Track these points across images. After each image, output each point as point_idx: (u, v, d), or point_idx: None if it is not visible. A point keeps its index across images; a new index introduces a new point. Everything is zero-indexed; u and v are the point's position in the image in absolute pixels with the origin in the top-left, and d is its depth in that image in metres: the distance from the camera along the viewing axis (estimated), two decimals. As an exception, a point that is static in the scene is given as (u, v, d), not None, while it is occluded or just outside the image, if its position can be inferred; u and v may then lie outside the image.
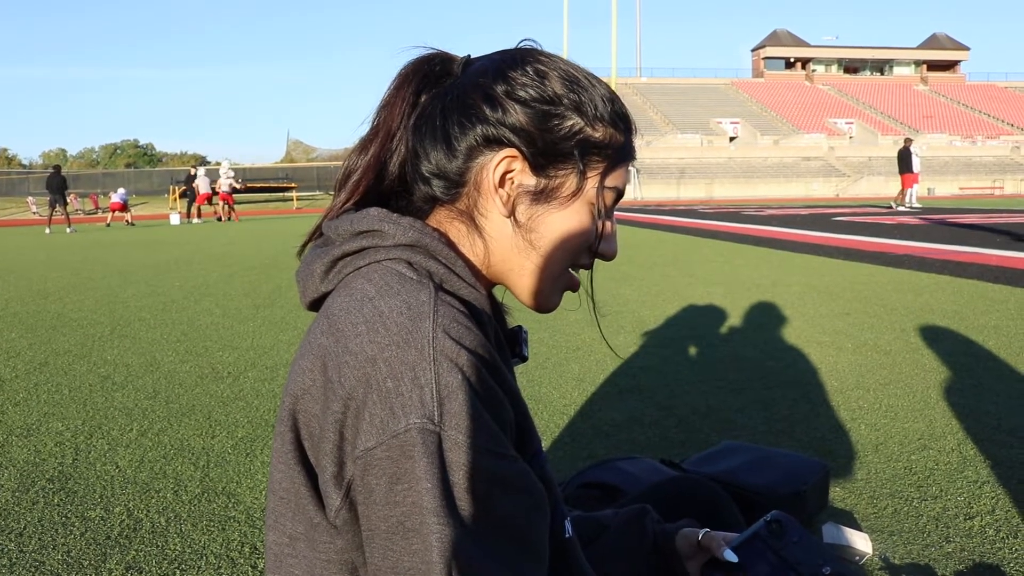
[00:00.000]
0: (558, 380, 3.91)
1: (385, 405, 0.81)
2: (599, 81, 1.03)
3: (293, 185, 44.59)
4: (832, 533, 2.19)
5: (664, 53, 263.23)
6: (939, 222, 16.15)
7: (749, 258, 9.62)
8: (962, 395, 3.57)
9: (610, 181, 1.02)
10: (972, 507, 2.42)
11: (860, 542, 2.16)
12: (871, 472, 2.70)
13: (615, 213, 1.10)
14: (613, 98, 1.02)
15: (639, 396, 3.60)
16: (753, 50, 77.24)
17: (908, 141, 23.86)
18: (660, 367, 4.15)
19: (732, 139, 55.53)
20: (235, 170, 36.55)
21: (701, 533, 1.34)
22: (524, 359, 1.11)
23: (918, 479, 2.63)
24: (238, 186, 25.13)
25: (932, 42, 78.28)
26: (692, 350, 4.56)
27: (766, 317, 5.61)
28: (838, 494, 2.51)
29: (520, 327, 1.12)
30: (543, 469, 0.98)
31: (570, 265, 1.04)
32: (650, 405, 3.46)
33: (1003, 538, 2.22)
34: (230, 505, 2.50)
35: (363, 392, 0.83)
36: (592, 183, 1.00)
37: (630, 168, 1.08)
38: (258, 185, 43.87)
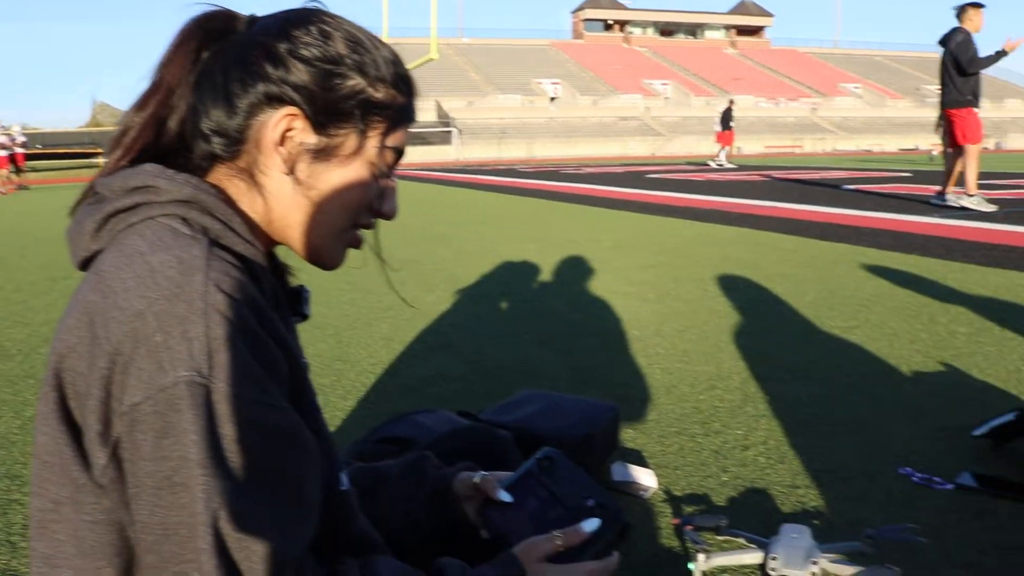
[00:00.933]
0: (366, 340, 3.90)
1: (153, 359, 0.80)
2: (383, 44, 1.04)
3: (98, 151, 42.00)
4: (620, 471, 2.30)
5: (485, 14, 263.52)
6: (746, 179, 17.05)
7: (564, 215, 9.86)
8: (750, 338, 3.81)
9: (391, 141, 1.04)
10: (748, 439, 2.60)
11: (645, 478, 2.28)
12: (661, 413, 2.85)
13: (396, 172, 1.11)
14: (396, 60, 1.04)
15: (447, 352, 3.64)
16: (573, 12, 78.44)
17: (731, 102, 25.33)
18: (470, 323, 4.21)
19: (552, 99, 56.39)
20: (30, 134, 33.98)
21: (478, 475, 1.37)
22: (305, 317, 1.11)
23: (703, 417, 2.80)
24: (19, 150, 23.28)
25: (740, 8, 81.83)
26: (503, 305, 4.65)
27: (575, 272, 5.78)
28: (629, 435, 2.64)
29: (302, 286, 1.12)
30: (318, 423, 0.99)
31: (351, 224, 1.05)
32: (457, 360, 3.51)
33: (772, 465, 2.41)
34: (13, 488, 2.36)
35: (131, 347, 0.80)
36: (373, 143, 1.02)
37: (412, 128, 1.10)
38: (60, 151, 41.07)
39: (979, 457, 2.40)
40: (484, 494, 1.35)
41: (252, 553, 0.81)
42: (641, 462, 2.43)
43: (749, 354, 3.55)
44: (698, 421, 2.76)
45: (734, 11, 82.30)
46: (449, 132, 44.38)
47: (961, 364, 3.31)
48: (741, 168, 22.94)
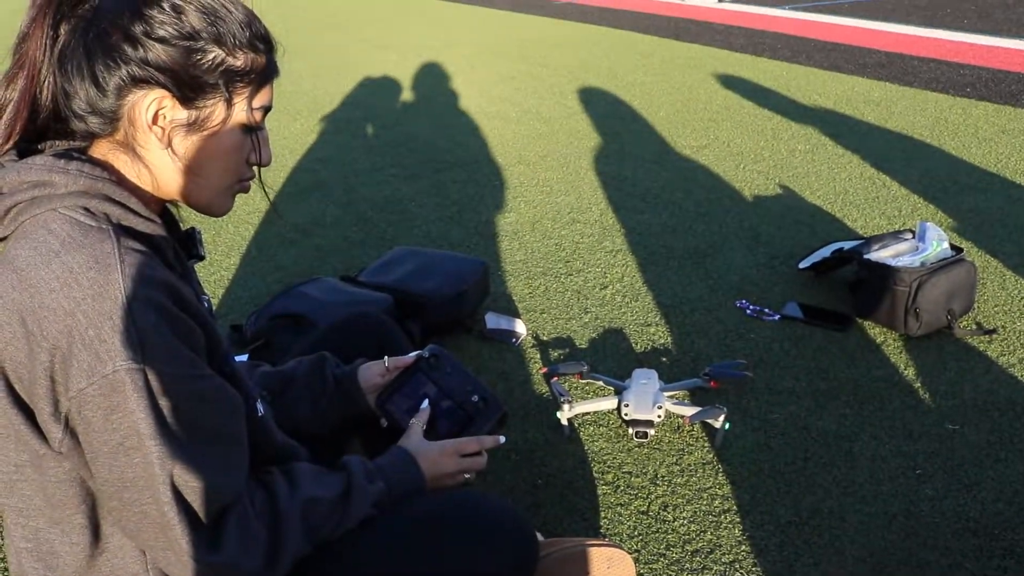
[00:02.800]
0: (238, 181, 3.91)
1: (91, 351, 0.94)
2: (237, 6, 1.08)
3: None
4: (493, 320, 2.54)
5: None
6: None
7: (424, 14, 9.61)
8: (607, 162, 4.03)
9: (257, 101, 1.10)
10: (607, 276, 2.87)
11: (517, 326, 2.53)
12: (528, 252, 3.07)
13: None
14: (251, 22, 1.08)
15: (320, 194, 3.73)
16: None
17: None
18: (338, 157, 4.26)
19: None
20: None
21: (380, 366, 1.55)
22: (201, 258, 1.22)
23: (566, 254, 3.04)
24: None
25: None
26: (369, 132, 4.69)
27: (437, 87, 5.79)
28: (499, 279, 2.86)
29: (193, 228, 1.21)
30: (231, 367, 1.13)
31: (235, 181, 1.14)
32: (330, 203, 3.60)
33: (627, 303, 2.69)
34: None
35: (67, 342, 0.94)
36: (240, 107, 1.08)
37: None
38: None
39: (802, 286, 2.75)
40: (379, 386, 1.55)
41: (203, 493, 1.00)
42: (512, 308, 2.66)
43: (607, 181, 3.77)
44: (561, 259, 3.00)
45: None
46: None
47: (797, 186, 3.63)
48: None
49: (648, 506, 1.83)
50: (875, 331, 2.47)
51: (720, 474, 1.92)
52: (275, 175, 4.01)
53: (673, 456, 1.98)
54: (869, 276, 2.49)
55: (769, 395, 2.19)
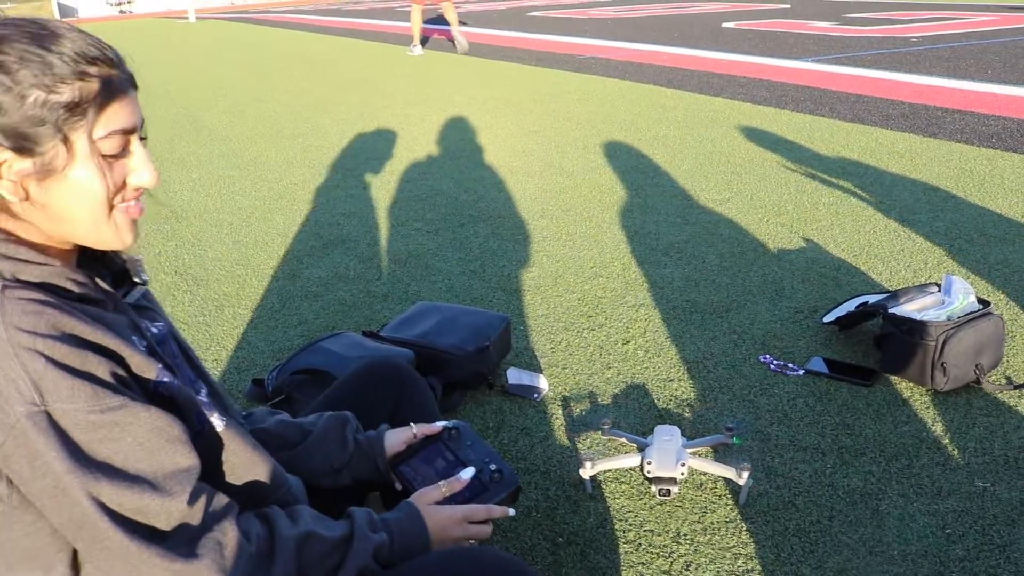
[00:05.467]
0: (264, 237, 3.97)
1: None
2: (60, 31, 1.03)
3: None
4: (515, 375, 2.53)
5: None
6: (627, 15, 16.97)
7: (445, 68, 9.76)
8: (630, 216, 4.04)
9: (103, 128, 1.03)
10: (629, 331, 2.86)
11: (539, 381, 2.52)
12: (551, 306, 3.07)
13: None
14: (74, 49, 1.02)
15: (344, 248, 3.76)
16: None
17: None
18: (362, 211, 4.31)
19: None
20: None
21: (407, 435, 1.56)
22: (144, 283, 1.23)
23: (588, 309, 3.04)
24: None
25: None
26: (392, 188, 4.74)
27: (461, 142, 5.85)
28: (521, 333, 2.86)
29: (132, 258, 1.23)
30: (169, 389, 1.13)
31: (110, 210, 1.08)
32: (353, 257, 3.63)
33: (650, 358, 2.67)
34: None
35: None
36: (81, 142, 1.02)
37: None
38: None
39: (827, 340, 2.72)
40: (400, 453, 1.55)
41: (149, 515, 1.02)
42: (534, 363, 2.66)
43: (629, 235, 3.78)
44: (583, 314, 3.00)
45: None
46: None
47: (820, 239, 3.62)
48: None
49: (670, 565, 1.80)
50: (902, 386, 2.43)
51: (744, 532, 1.89)
52: (299, 226, 4.05)
53: (696, 514, 1.96)
54: (895, 331, 2.47)
55: (794, 452, 2.16)
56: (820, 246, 3.54)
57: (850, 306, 2.71)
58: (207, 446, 1.17)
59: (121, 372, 1.06)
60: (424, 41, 11.88)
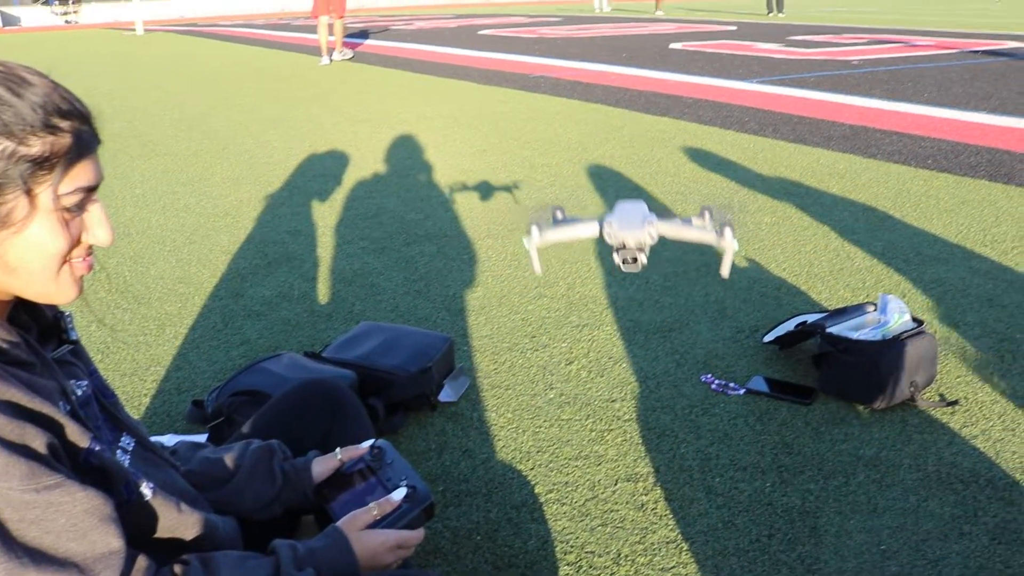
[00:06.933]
0: (207, 254, 3.91)
1: None
2: (30, 80, 1.00)
3: None
4: (446, 394, 2.52)
5: None
6: (576, 35, 17.11)
7: (397, 87, 9.75)
8: (576, 234, 4.05)
9: (68, 185, 1.01)
10: (572, 351, 2.87)
11: (459, 379, 2.53)
12: (495, 327, 3.07)
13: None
14: (47, 101, 0.99)
15: (288, 266, 3.72)
16: None
17: None
18: (308, 229, 4.28)
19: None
20: None
21: (334, 458, 1.54)
22: (73, 342, 1.19)
23: (532, 329, 3.05)
24: None
25: None
26: (339, 205, 4.71)
27: (409, 160, 5.85)
28: (465, 353, 2.85)
29: (62, 313, 1.19)
30: (100, 459, 1.09)
31: (61, 266, 1.05)
32: (298, 276, 3.60)
33: (593, 378, 2.68)
34: None
35: None
36: (45, 197, 0.99)
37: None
38: None
39: (767, 360, 2.76)
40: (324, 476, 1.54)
41: None
42: (476, 383, 2.65)
43: (574, 255, 3.80)
44: (527, 334, 3.00)
45: None
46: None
47: (763, 258, 3.67)
48: (587, 20, 22.97)
49: (611, 588, 1.81)
50: (839, 404, 2.48)
51: (684, 553, 1.90)
52: (242, 244, 4.01)
53: (637, 535, 1.96)
54: (832, 350, 2.51)
55: (734, 471, 2.18)
56: (762, 266, 3.59)
57: (789, 325, 2.75)
58: (134, 514, 1.13)
59: (56, 443, 1.02)
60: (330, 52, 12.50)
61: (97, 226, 1.06)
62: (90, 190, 1.04)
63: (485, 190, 4.96)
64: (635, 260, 1.54)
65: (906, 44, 12.97)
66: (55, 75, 1.05)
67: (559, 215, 1.68)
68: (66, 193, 1.00)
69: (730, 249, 1.52)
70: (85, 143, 1.02)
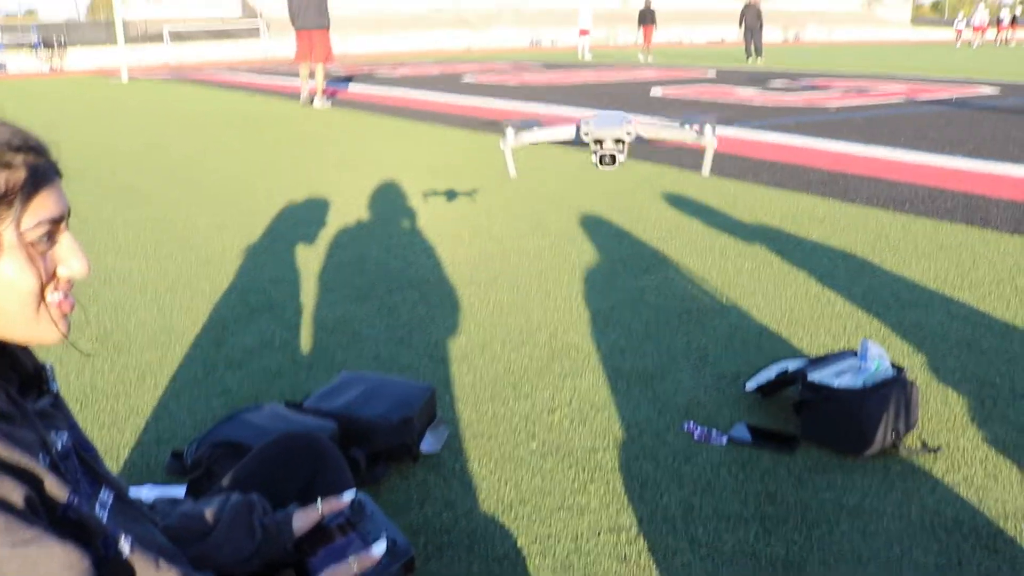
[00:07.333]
0: (188, 302, 3.90)
1: None
2: None
3: None
4: (427, 445, 2.51)
5: None
6: (562, 81, 17.31)
7: (382, 132, 9.81)
8: (557, 283, 4.07)
9: (31, 219, 1.01)
10: (555, 400, 2.86)
11: (439, 431, 2.52)
12: (477, 375, 3.06)
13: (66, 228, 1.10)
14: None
15: (270, 315, 3.71)
16: None
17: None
18: (290, 277, 4.27)
19: (364, -10, 54.42)
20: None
21: (315, 515, 1.53)
22: (54, 394, 1.18)
23: (514, 378, 3.04)
24: None
25: None
26: (322, 253, 4.71)
27: (391, 206, 5.87)
28: (446, 403, 2.84)
29: (42, 366, 1.18)
30: (78, 513, 1.08)
31: (39, 303, 1.05)
32: (279, 324, 3.59)
33: (575, 427, 2.68)
34: None
35: None
36: (8, 235, 0.99)
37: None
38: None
39: (750, 407, 2.76)
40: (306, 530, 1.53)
41: None
42: (458, 433, 2.64)
43: (556, 302, 3.81)
44: (509, 383, 2.99)
45: None
46: (257, 28, 42.22)
47: (744, 304, 3.69)
48: (572, 65, 23.23)
49: (594, 643, 1.79)
50: (822, 452, 2.47)
51: (668, 606, 1.88)
52: (224, 292, 4.00)
53: (620, 588, 1.95)
54: (813, 397, 2.52)
55: (717, 521, 2.17)
56: (743, 312, 3.61)
57: (771, 373, 2.76)
58: (112, 571, 1.11)
59: (34, 497, 1.00)
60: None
61: (70, 256, 1.06)
62: (55, 221, 1.04)
63: (467, 238, 4.98)
64: (613, 159, 1.52)
65: (880, 91, 13.18)
66: (39, 124, 1.06)
67: (536, 127, 1.65)
68: (29, 227, 1.00)
69: (710, 147, 1.51)
70: (42, 174, 1.02)
